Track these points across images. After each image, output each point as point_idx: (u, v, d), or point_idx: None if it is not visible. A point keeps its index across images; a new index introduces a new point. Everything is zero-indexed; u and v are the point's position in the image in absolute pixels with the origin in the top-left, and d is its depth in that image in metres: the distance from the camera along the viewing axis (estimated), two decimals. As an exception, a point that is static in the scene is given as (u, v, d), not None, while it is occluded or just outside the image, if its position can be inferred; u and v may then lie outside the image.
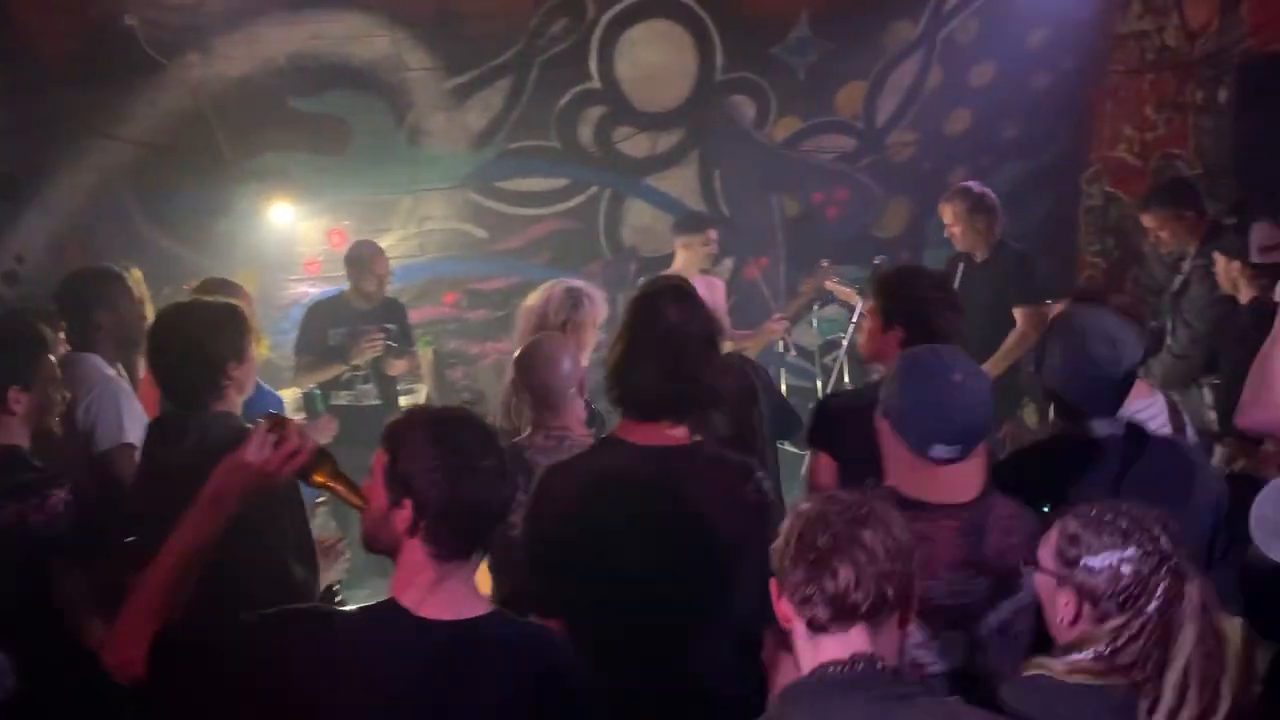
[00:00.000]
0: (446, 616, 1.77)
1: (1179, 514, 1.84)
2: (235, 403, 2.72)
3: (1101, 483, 2.35)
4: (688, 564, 2.22)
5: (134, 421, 3.37)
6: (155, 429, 2.86)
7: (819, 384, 6.21)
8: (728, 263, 7.03)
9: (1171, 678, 1.64)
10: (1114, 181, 6.89)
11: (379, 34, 6.15)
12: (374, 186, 6.39)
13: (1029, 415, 5.32)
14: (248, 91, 5.98)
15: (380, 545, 1.84)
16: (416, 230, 6.62)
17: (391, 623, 1.77)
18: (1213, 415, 4.30)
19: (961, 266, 5.12)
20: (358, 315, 5.16)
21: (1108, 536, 1.75)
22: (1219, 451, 3.58)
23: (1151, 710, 1.65)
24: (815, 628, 1.56)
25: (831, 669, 1.54)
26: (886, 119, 6.92)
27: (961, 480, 2.06)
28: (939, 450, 2.01)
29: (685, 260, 5.50)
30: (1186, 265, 4.70)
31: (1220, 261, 4.11)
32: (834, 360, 5.83)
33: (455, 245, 6.66)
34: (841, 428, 2.80)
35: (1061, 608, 1.78)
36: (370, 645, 1.76)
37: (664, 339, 2.30)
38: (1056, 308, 3.16)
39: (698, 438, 2.38)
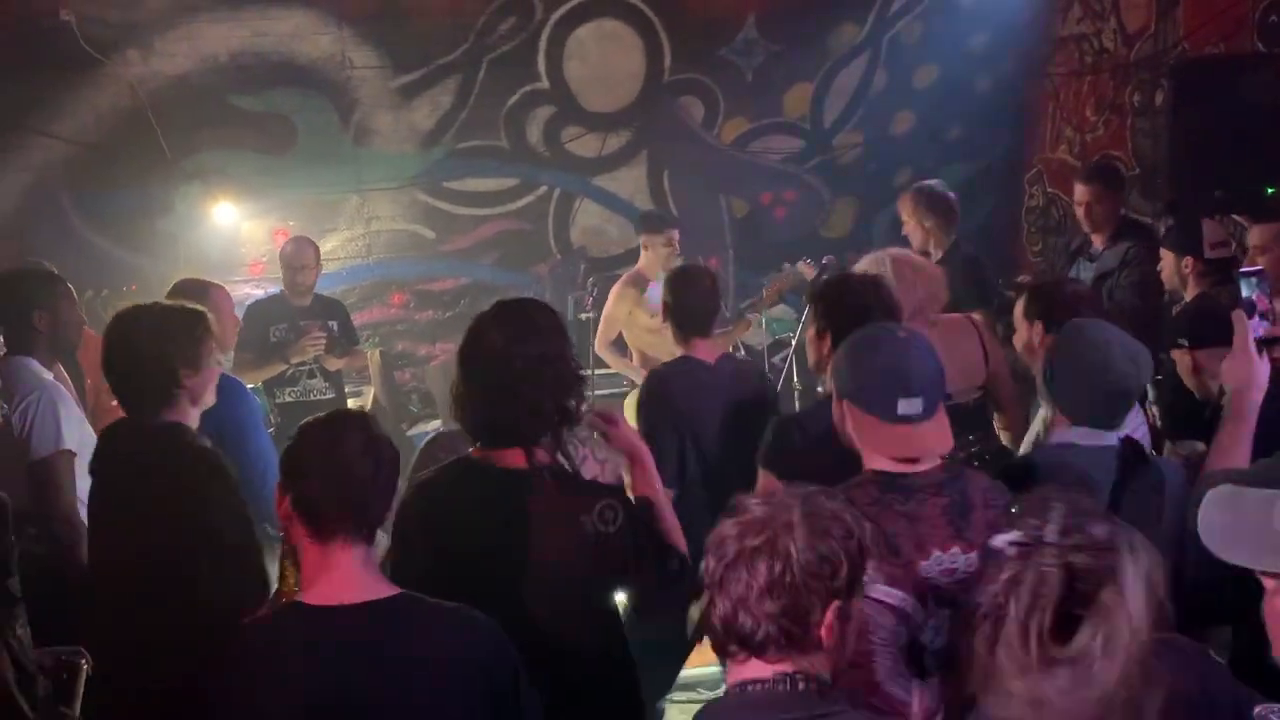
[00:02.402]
0: (346, 600, 1.80)
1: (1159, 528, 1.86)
2: (188, 412, 2.62)
3: (1101, 493, 2.35)
4: (520, 592, 2.17)
5: (72, 427, 3.27)
6: (106, 436, 2.78)
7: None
8: (677, 262, 7.04)
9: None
10: (1055, 182, 7.02)
11: (324, 32, 6.08)
12: (320, 186, 6.32)
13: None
14: (188, 89, 5.89)
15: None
16: (364, 231, 6.55)
17: (289, 618, 1.83)
18: (1155, 410, 4.38)
19: None
20: (298, 312, 5.07)
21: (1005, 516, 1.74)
22: (1167, 448, 3.64)
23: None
24: (723, 652, 1.56)
25: (750, 687, 1.54)
26: (833, 120, 6.99)
27: (934, 438, 2.10)
28: (905, 405, 2.05)
29: (647, 260, 5.49)
30: (1096, 253, 4.78)
31: (1169, 259, 4.15)
32: (783, 360, 5.86)
33: (403, 246, 6.61)
34: (796, 458, 2.78)
35: None
36: (275, 646, 1.80)
37: (489, 365, 2.24)
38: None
39: (544, 461, 2.27)
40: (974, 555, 2.03)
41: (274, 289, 5.84)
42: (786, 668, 1.53)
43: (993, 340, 3.69)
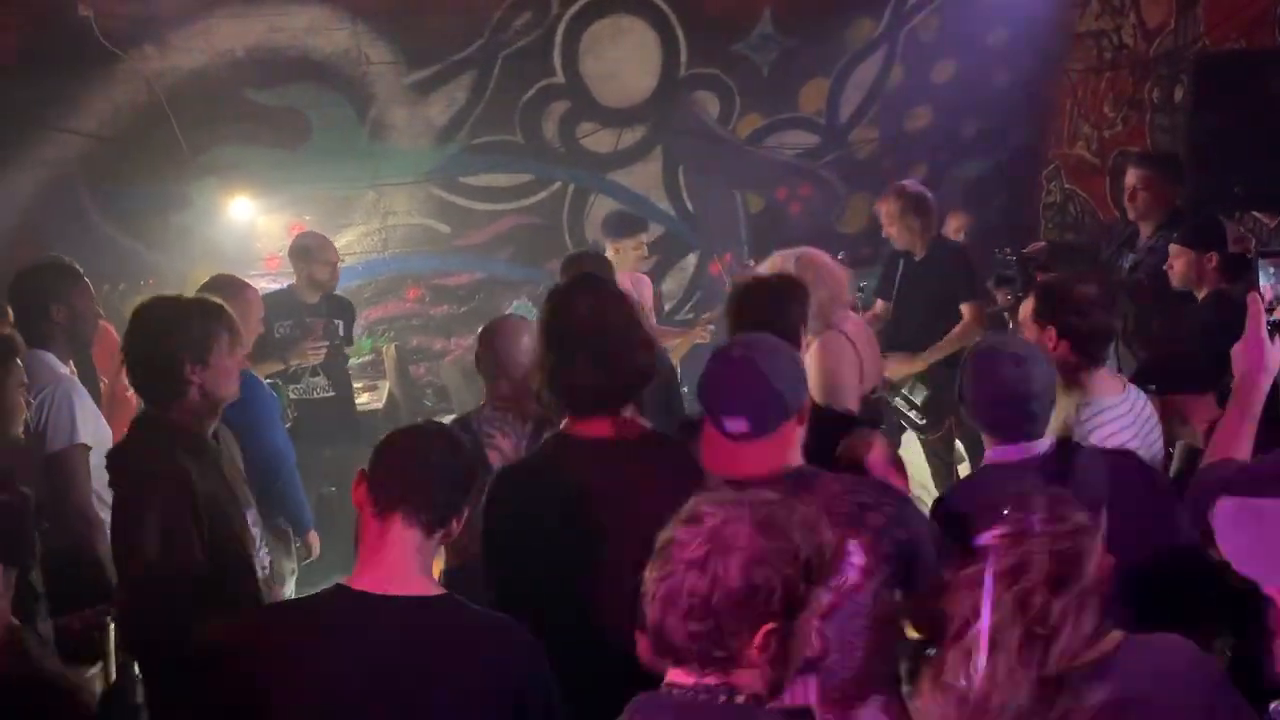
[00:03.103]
0: (392, 590, 1.81)
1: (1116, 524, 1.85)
2: (201, 405, 2.60)
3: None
4: (636, 557, 2.20)
5: (88, 421, 3.30)
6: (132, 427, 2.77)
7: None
8: (691, 258, 7.04)
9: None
10: (1072, 179, 6.97)
11: (339, 27, 6.08)
12: (335, 181, 6.32)
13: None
14: (205, 84, 5.89)
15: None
16: (379, 225, 6.56)
17: (330, 602, 1.85)
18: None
19: (901, 264, 5.19)
20: (305, 309, 5.03)
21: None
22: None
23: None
24: (653, 651, 1.57)
25: (675, 691, 1.54)
26: (849, 116, 6.95)
27: (758, 458, 2.10)
28: (729, 423, 2.09)
29: (616, 264, 5.32)
30: (1142, 246, 4.73)
31: (1185, 255, 4.09)
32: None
33: (418, 240, 6.61)
34: None
35: None
36: (309, 629, 1.83)
37: (583, 330, 2.30)
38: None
39: (641, 424, 2.40)
40: None
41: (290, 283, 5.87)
42: (710, 680, 1.52)
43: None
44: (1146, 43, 6.25)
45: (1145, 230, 4.76)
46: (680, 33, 6.52)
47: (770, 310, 2.97)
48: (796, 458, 2.18)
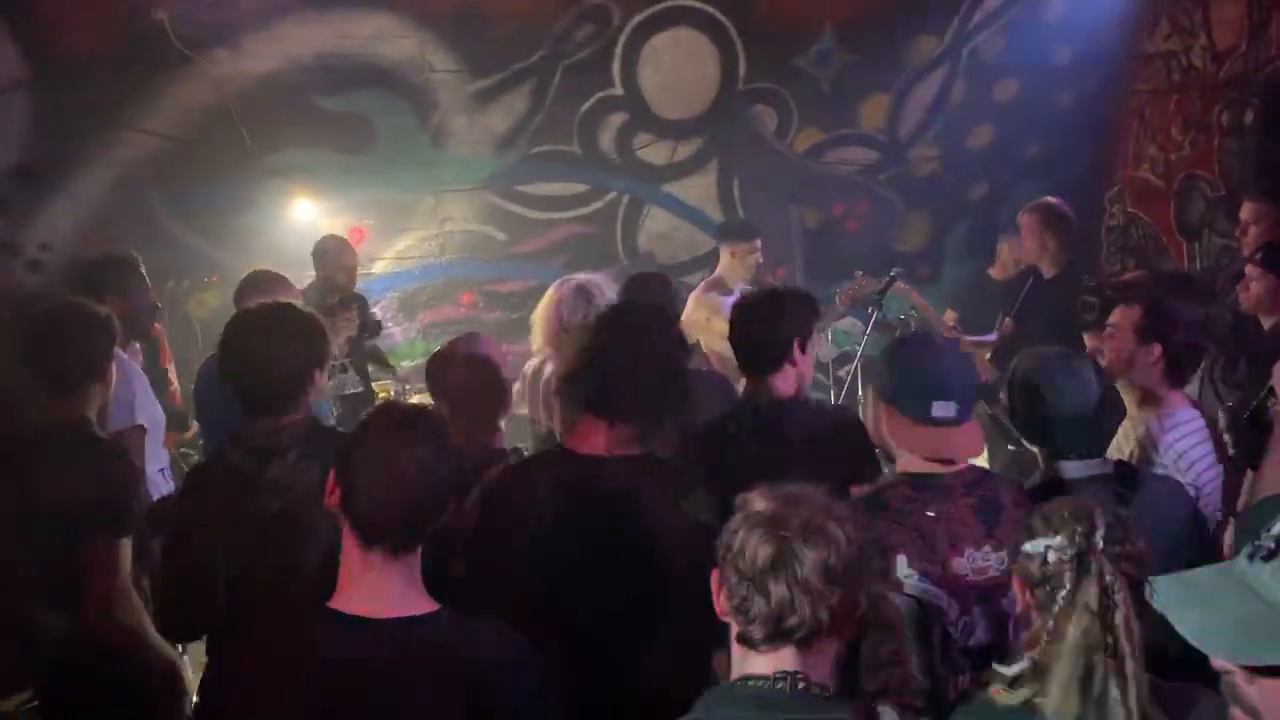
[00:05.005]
0: (382, 614, 1.75)
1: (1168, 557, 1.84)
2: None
3: None
4: (631, 576, 2.20)
5: (145, 404, 3.41)
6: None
7: (832, 395, 6.18)
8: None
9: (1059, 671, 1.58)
10: (1136, 202, 6.85)
11: (405, 35, 6.20)
12: (396, 186, 6.44)
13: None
14: (274, 88, 6.05)
15: None
16: (437, 231, 6.66)
17: (316, 623, 1.78)
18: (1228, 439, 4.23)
19: (1030, 280, 5.15)
20: (323, 309, 5.15)
21: (1041, 523, 1.72)
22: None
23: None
24: (745, 642, 1.55)
25: (753, 683, 1.53)
26: (909, 132, 6.92)
27: (965, 441, 2.19)
28: (939, 409, 2.14)
29: (729, 266, 5.47)
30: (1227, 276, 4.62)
31: (1267, 279, 3.96)
32: (847, 373, 5.81)
33: (474, 247, 6.70)
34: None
35: (1018, 600, 1.78)
36: (297, 647, 1.76)
37: (619, 360, 2.32)
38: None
39: (644, 448, 2.36)
40: (1005, 554, 2.06)
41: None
42: (791, 666, 1.52)
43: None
44: (1216, 65, 6.12)
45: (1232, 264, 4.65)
46: (740, 46, 6.55)
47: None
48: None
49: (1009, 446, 4.86)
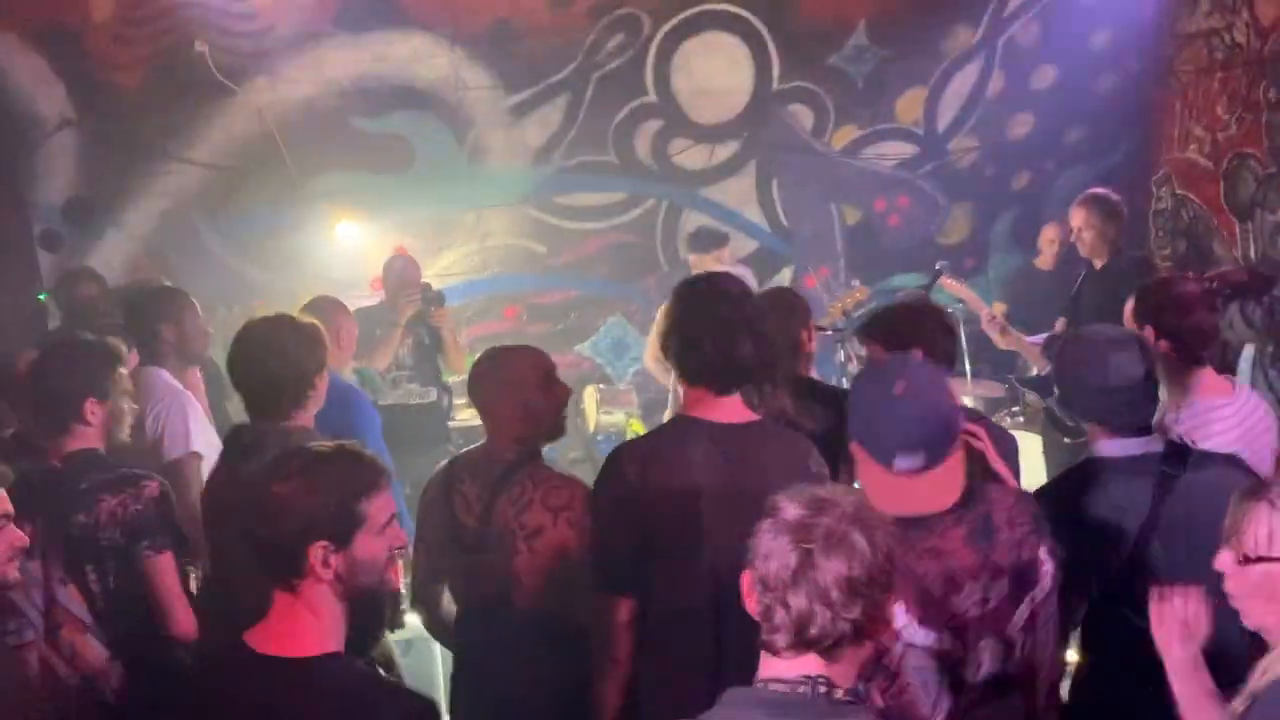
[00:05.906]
0: (281, 652, 1.76)
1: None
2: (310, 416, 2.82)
3: (1135, 507, 2.31)
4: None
5: (200, 431, 3.47)
6: (233, 438, 2.93)
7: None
8: (786, 272, 7.00)
9: None
10: (1184, 184, 6.72)
11: (439, 55, 6.27)
12: (436, 204, 6.50)
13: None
14: (313, 113, 6.15)
15: None
16: (478, 246, 6.71)
17: (229, 660, 1.84)
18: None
19: (1083, 274, 5.11)
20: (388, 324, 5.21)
21: None
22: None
23: None
24: (769, 648, 1.54)
25: (774, 685, 1.52)
26: (947, 125, 6.85)
27: (934, 491, 1.96)
28: (901, 461, 1.91)
29: None
30: None
31: None
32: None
33: (516, 260, 6.74)
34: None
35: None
36: (207, 682, 1.86)
37: (727, 308, 2.45)
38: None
39: (758, 415, 2.49)
40: (1004, 581, 1.95)
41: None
42: (815, 670, 1.51)
43: None
44: (1261, 40, 5.99)
45: None
46: (773, 47, 6.53)
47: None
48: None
49: (1064, 440, 4.80)
